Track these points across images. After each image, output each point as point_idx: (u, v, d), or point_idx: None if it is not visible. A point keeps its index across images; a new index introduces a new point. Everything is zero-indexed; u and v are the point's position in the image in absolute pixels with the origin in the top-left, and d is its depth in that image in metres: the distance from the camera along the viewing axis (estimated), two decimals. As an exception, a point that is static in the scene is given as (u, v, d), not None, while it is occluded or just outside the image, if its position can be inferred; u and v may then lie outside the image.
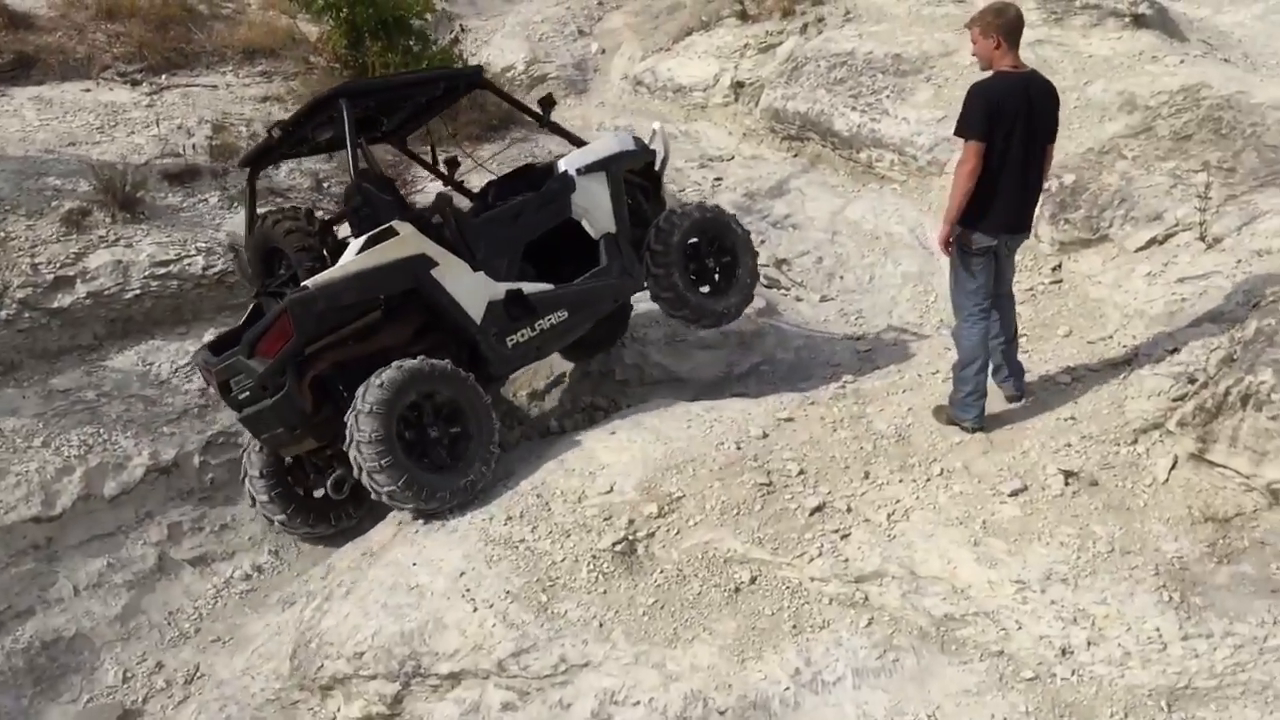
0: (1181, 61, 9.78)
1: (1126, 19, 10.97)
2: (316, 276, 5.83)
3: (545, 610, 5.04)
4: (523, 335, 6.47)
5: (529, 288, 6.55)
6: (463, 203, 7.52)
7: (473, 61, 12.12)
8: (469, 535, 5.50)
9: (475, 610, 5.07)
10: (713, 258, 7.41)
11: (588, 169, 6.97)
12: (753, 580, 5.10)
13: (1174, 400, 5.44)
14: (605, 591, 5.12)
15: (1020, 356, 6.14)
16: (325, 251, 6.27)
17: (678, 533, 5.37)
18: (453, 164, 7.49)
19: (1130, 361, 6.16)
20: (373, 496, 5.73)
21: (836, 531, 5.19)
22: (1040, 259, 8.10)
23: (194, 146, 8.22)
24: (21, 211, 7.16)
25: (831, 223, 9.66)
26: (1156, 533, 4.83)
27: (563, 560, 5.28)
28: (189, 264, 7.35)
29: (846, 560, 5.03)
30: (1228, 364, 5.40)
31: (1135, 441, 5.38)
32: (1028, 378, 6.13)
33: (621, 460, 5.91)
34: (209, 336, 7.24)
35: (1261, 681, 4.22)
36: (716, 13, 13.81)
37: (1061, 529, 4.91)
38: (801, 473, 5.61)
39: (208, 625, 6.12)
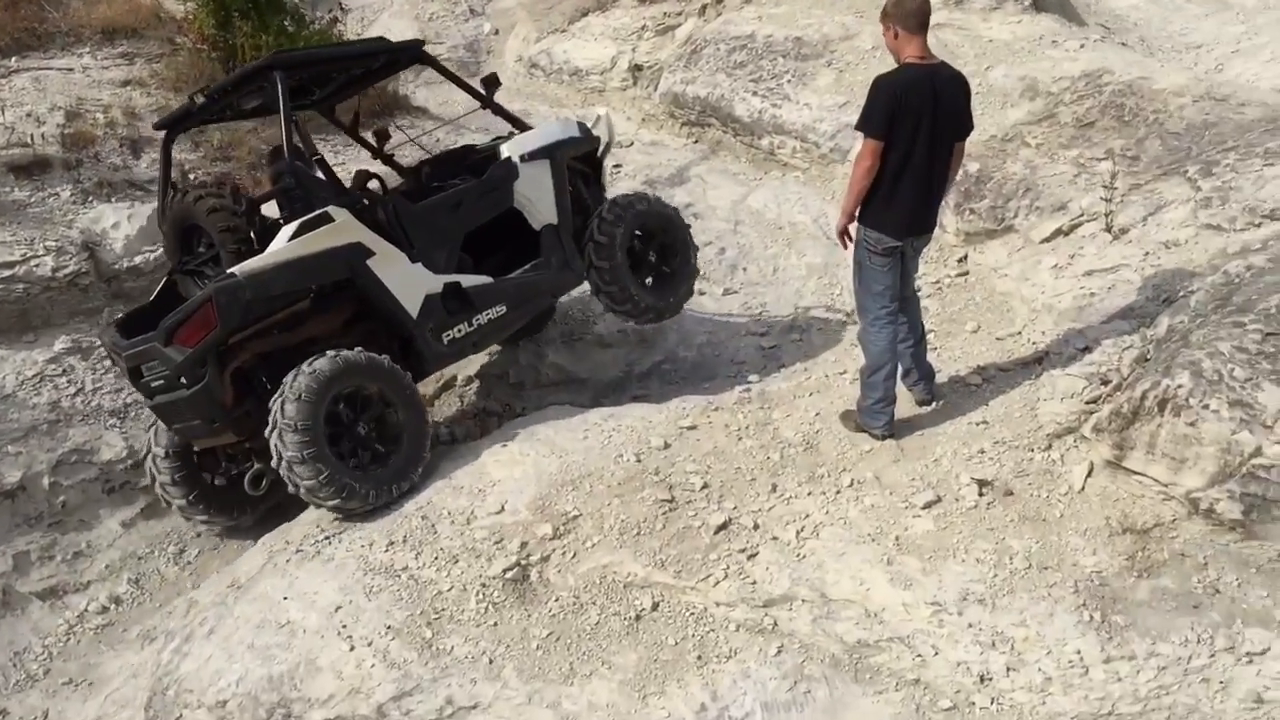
0: (1082, 46, 9.67)
1: (1026, 2, 10.87)
2: (244, 263, 5.43)
3: (430, 647, 4.62)
4: (459, 330, 6.19)
5: (467, 281, 6.26)
6: (391, 179, 7.18)
7: (357, 42, 11.56)
8: (346, 564, 5.05)
9: (352, 649, 4.63)
10: (654, 251, 7.21)
11: (531, 156, 6.69)
12: (655, 606, 4.75)
13: (1087, 403, 5.22)
14: (496, 624, 4.72)
15: (929, 356, 5.90)
16: (252, 234, 5.83)
17: (574, 556, 5.00)
18: (382, 135, 7.02)
19: (1041, 360, 5.95)
20: (289, 489, 5.38)
21: (743, 551, 4.87)
22: (946, 250, 7.89)
23: (44, 136, 7.52)
24: None
25: (734, 212, 9.35)
26: (1074, 546, 4.60)
27: (449, 589, 4.87)
28: (37, 265, 6.71)
29: (754, 583, 4.72)
30: (1141, 364, 5.23)
31: (1049, 447, 5.16)
32: (937, 378, 5.90)
33: (514, 476, 5.51)
34: (63, 343, 6.65)
35: (1187, 705, 4.03)
36: (612, -8, 13.41)
37: (977, 544, 4.66)
38: (705, 486, 5.28)
39: (59, 666, 5.55)
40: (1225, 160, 6.95)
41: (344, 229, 5.71)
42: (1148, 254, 6.50)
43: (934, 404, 5.77)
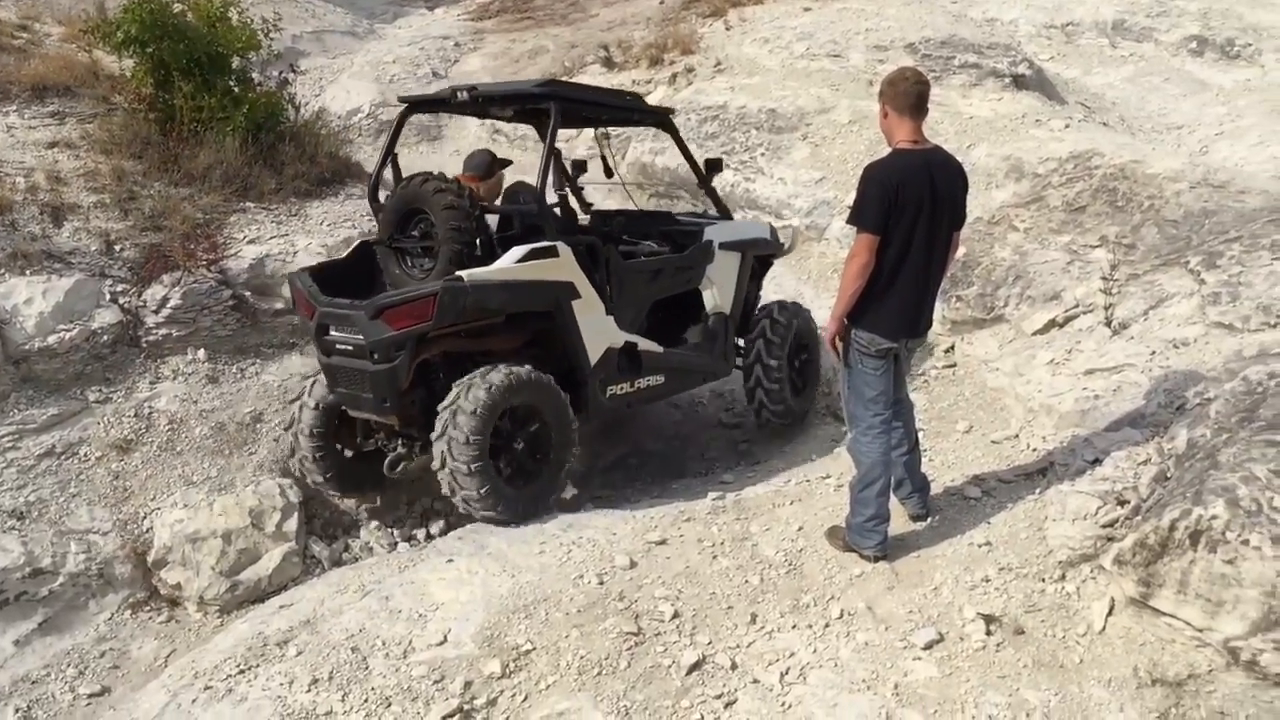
0: (1067, 126, 9.33)
1: (1006, 79, 10.58)
2: (473, 271, 5.68)
3: (354, 816, 3.95)
4: (621, 389, 6.43)
5: (643, 344, 6.51)
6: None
7: (314, 102, 11.05)
8: (260, 707, 4.35)
9: (262, 818, 3.94)
10: (799, 358, 7.46)
11: (728, 245, 7.08)
12: (618, 764, 4.11)
13: (1104, 526, 4.67)
14: (432, 785, 4.06)
15: (923, 466, 5.35)
16: (477, 240, 6.06)
17: (525, 699, 4.33)
18: (580, 167, 7.36)
19: (1045, 471, 5.43)
20: (444, 490, 5.66)
21: (719, 697, 4.24)
22: (932, 340, 7.39)
23: (-44, 201, 6.88)
24: None
25: (704, 292, 8.82)
26: (1099, 700, 4.03)
27: (379, 741, 4.19)
28: (-64, 346, 6.03)
29: (732, 738, 4.09)
30: (1161, 483, 4.70)
31: (1063, 577, 4.60)
32: (931, 488, 5.35)
33: (459, 599, 4.86)
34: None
35: None
36: (580, 59, 13.07)
37: (988, 696, 4.07)
38: (676, 615, 4.65)
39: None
40: (1229, 252, 6.51)
41: (563, 266, 5.97)
42: (1154, 353, 6.00)
43: (929, 519, 5.22)
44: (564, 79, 11.44)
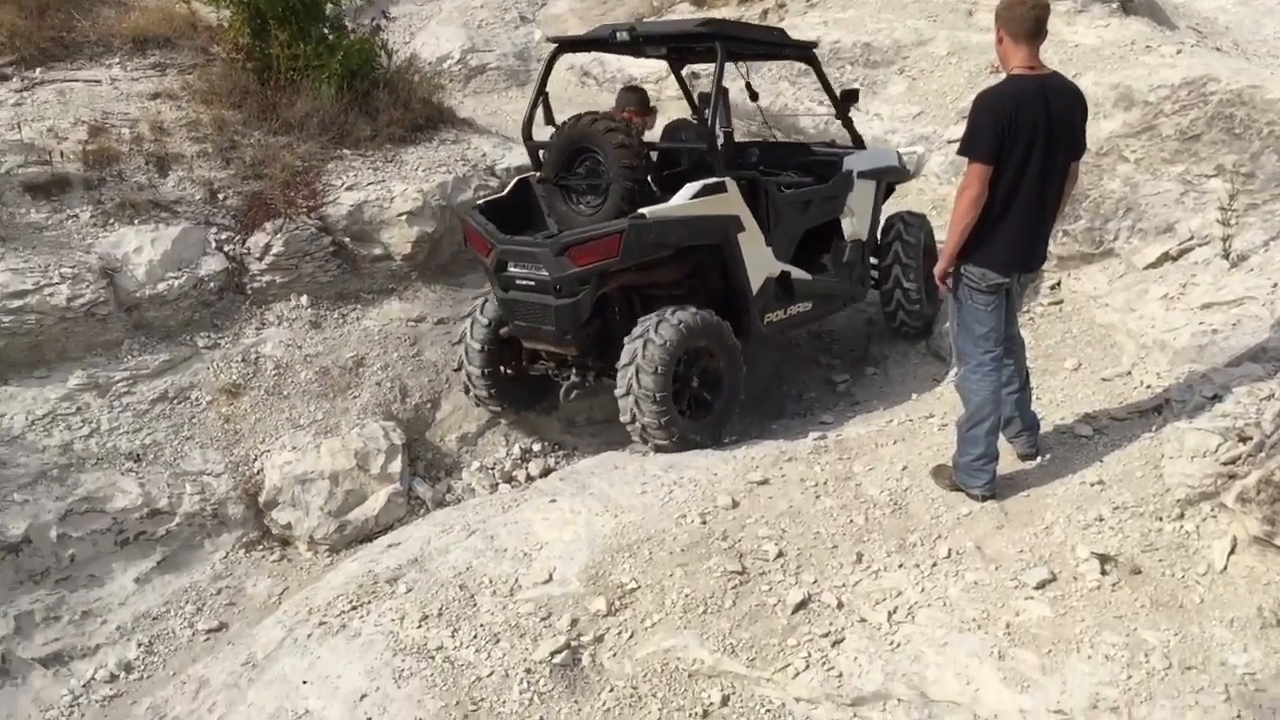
0: (1179, 52, 8.90)
1: (1114, 5, 10.13)
2: (655, 207, 5.92)
3: (466, 746, 4.02)
4: (776, 316, 6.62)
5: (796, 273, 6.69)
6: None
7: (404, 50, 11.05)
8: (374, 642, 4.46)
9: (378, 748, 4.04)
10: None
11: (865, 174, 7.20)
12: (725, 701, 4.11)
13: (1224, 464, 4.49)
14: (541, 718, 4.11)
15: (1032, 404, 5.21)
16: (649, 178, 6.31)
17: (631, 636, 4.37)
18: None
19: (1160, 408, 5.26)
20: (625, 419, 5.91)
21: (826, 636, 4.22)
22: (1037, 276, 7.17)
23: (65, 153, 7.01)
24: None
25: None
26: (1220, 640, 3.90)
27: (489, 675, 4.25)
28: (50, 294, 6.19)
29: (840, 675, 4.06)
30: (1287, 419, 4.51)
31: (1181, 516, 4.46)
32: (1040, 427, 5.22)
33: (563, 538, 4.90)
34: (78, 379, 6.14)
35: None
36: (669, 1, 12.82)
37: (1104, 636, 3.97)
38: (781, 555, 4.63)
39: (60, 744, 5.01)
40: (1359, 179, 6.19)
41: (731, 201, 6.18)
42: (1276, 285, 5.75)
43: (1039, 458, 5.10)
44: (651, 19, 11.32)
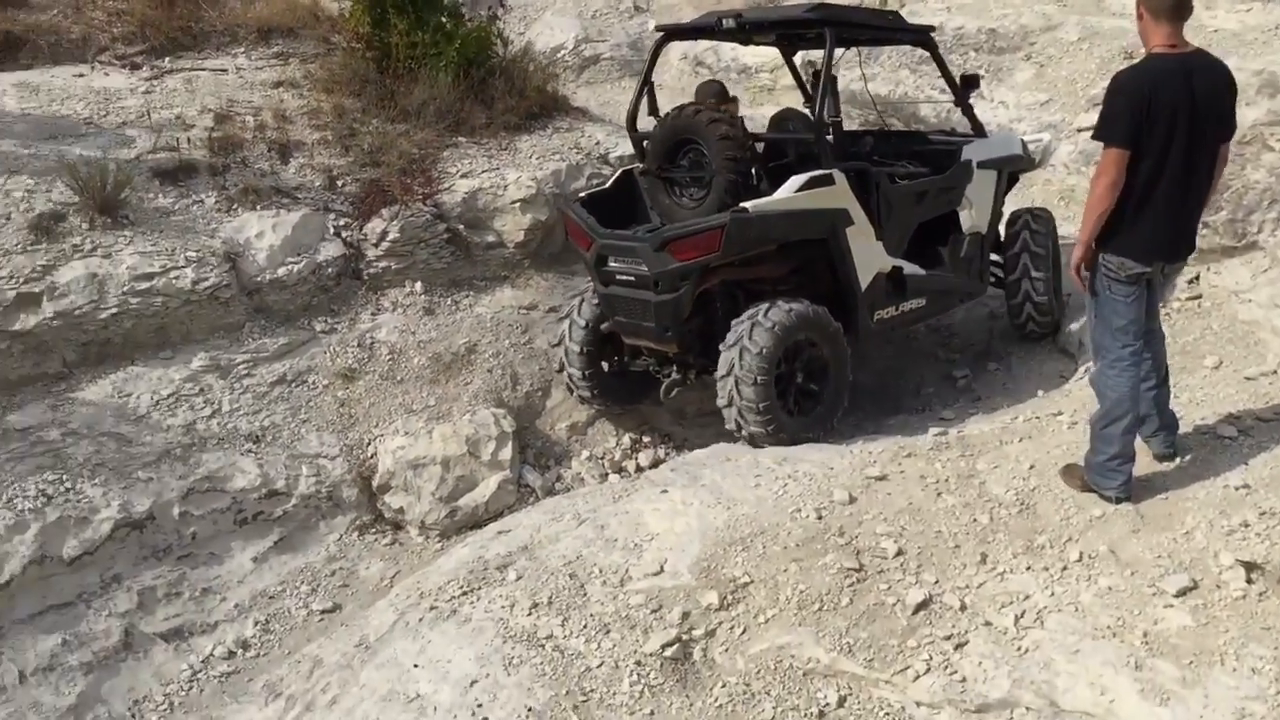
0: (1330, 35, 8.42)
1: (1257, -13, 9.62)
2: (757, 201, 5.77)
3: (576, 738, 3.96)
4: (887, 312, 6.42)
5: (908, 268, 6.47)
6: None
7: (518, 40, 11.08)
8: (484, 628, 4.43)
9: (487, 736, 4.00)
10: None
11: (985, 164, 6.92)
12: (841, 702, 3.97)
13: (1385, 471, 4.21)
14: (652, 712, 4.02)
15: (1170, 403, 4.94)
16: (753, 170, 6.23)
17: (744, 632, 4.26)
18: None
19: (1311, 410, 4.94)
20: (729, 428, 5.85)
21: (949, 638, 4.04)
22: (1182, 267, 6.83)
23: (191, 139, 7.19)
24: (-15, 217, 6.19)
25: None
26: (1381, 659, 3.63)
27: (599, 666, 4.19)
28: (176, 277, 6.33)
29: (963, 680, 3.89)
30: None
31: (1336, 524, 4.17)
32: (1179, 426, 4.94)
33: (675, 529, 4.81)
34: (201, 360, 6.26)
35: None
36: (784, -15, 12.61)
37: (1250, 648, 3.72)
38: (900, 553, 4.47)
39: (179, 718, 5.10)
40: None
41: (839, 194, 5.96)
42: None
43: (1176, 459, 4.82)
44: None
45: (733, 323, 5.82)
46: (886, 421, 6.58)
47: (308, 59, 8.69)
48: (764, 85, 11.33)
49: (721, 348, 5.79)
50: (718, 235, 5.65)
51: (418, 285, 7.22)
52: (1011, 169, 7.27)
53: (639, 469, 6.66)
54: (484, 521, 6.12)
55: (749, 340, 5.66)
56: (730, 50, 11.78)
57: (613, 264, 6.07)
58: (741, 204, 5.73)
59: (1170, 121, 4.16)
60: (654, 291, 5.88)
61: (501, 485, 6.33)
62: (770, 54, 11.32)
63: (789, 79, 11.25)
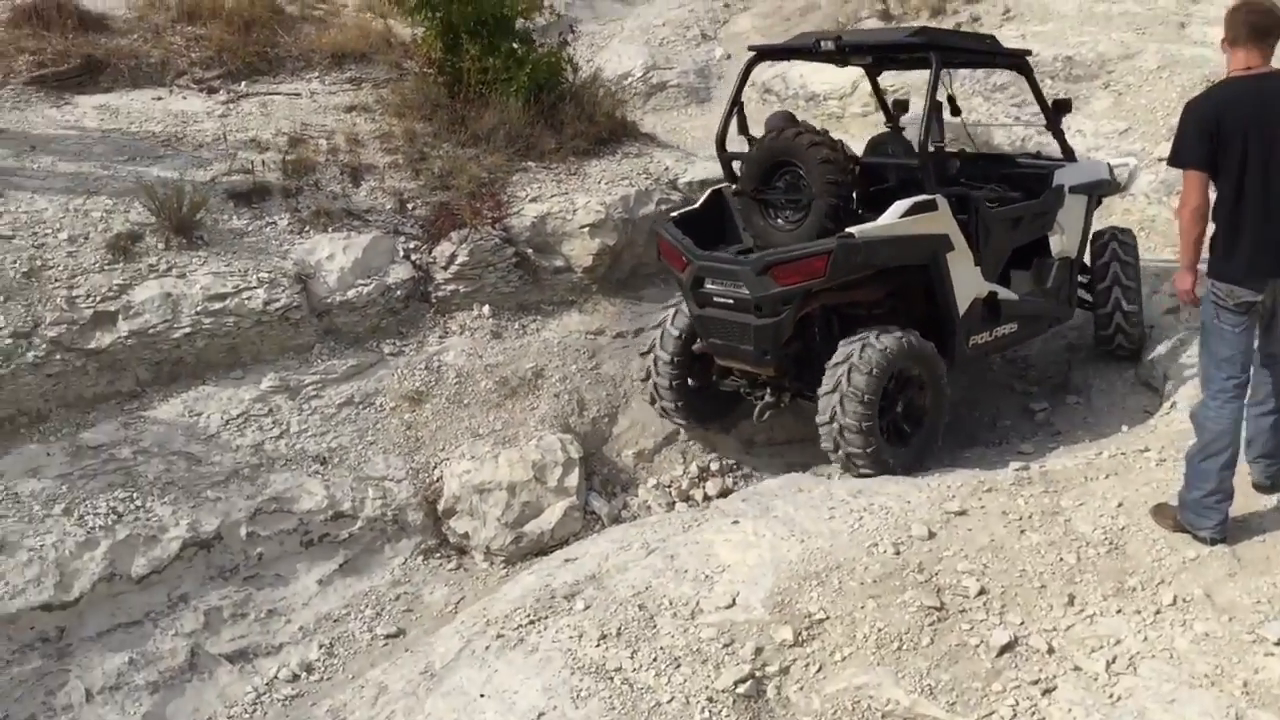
0: None
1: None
2: (864, 226, 5.76)
3: (645, 775, 3.85)
4: (982, 338, 6.37)
5: (1003, 293, 6.43)
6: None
7: (587, 67, 11.09)
8: (551, 658, 4.34)
9: (554, 770, 3.90)
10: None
11: (1077, 189, 6.87)
12: (922, 746, 3.82)
13: None
14: (724, 751, 3.90)
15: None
16: (854, 194, 6.17)
17: (820, 670, 4.12)
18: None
19: None
20: (825, 447, 5.82)
21: (1036, 683, 3.88)
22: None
23: (265, 162, 7.25)
24: (64, 236, 6.23)
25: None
26: None
27: (669, 701, 4.07)
28: (248, 298, 6.36)
29: (1052, 728, 3.72)
30: None
31: None
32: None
33: (747, 562, 4.69)
34: (270, 381, 6.27)
35: None
36: (855, 14, 12.56)
37: (1361, 703, 3.53)
38: (983, 592, 4.31)
39: (242, 741, 5.07)
40: None
41: (941, 219, 5.94)
42: None
43: (1275, 494, 4.61)
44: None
45: (841, 343, 5.81)
46: (963, 454, 6.41)
47: (380, 84, 8.76)
48: (832, 113, 11.20)
49: (828, 366, 5.77)
50: (824, 261, 5.64)
51: (485, 309, 7.18)
52: (1099, 193, 7.22)
53: (706, 498, 6.55)
54: (549, 548, 6.04)
55: (859, 358, 5.65)
56: (799, 77, 11.69)
57: (710, 286, 6.02)
58: (847, 229, 5.70)
59: (1243, 142, 4.10)
60: (755, 315, 5.84)
61: (567, 512, 6.25)
62: (839, 81, 11.25)
63: (857, 107, 11.19)
